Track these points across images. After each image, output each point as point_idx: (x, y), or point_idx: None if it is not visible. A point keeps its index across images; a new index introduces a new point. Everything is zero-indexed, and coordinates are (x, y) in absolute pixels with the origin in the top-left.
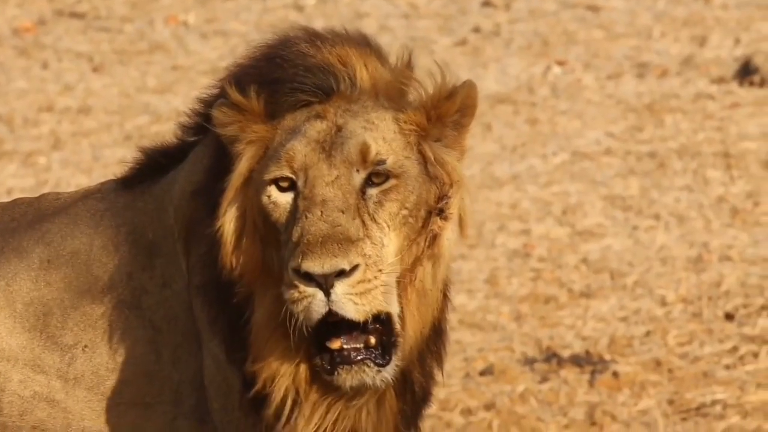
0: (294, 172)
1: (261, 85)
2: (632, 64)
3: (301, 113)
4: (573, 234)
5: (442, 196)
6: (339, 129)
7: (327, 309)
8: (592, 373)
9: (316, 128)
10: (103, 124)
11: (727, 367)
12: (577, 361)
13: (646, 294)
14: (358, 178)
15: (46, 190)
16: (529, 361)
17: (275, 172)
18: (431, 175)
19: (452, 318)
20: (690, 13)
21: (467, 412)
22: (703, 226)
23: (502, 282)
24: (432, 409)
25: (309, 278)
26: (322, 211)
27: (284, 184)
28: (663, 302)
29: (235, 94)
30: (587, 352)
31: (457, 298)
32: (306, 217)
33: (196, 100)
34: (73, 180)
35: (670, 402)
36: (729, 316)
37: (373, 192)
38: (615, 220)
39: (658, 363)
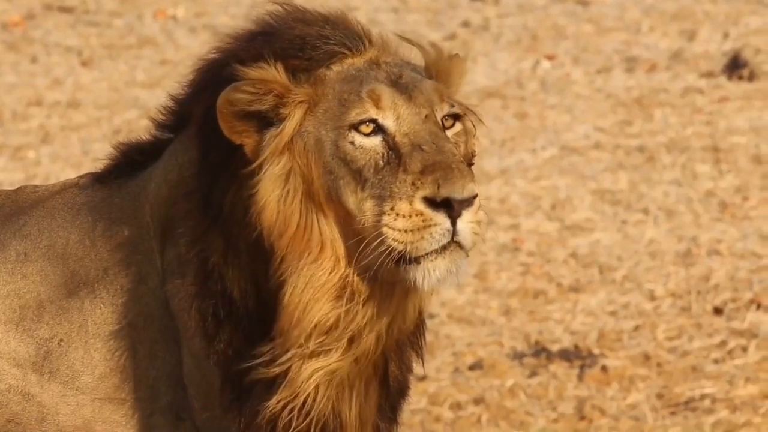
0: (381, 112)
1: (274, 52)
2: (621, 58)
3: (341, 66)
4: (562, 228)
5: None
6: (400, 76)
7: (449, 239)
8: (581, 367)
9: (381, 73)
10: (92, 119)
11: (716, 361)
12: (566, 355)
13: (634, 288)
14: (439, 117)
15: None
16: (518, 356)
17: (360, 115)
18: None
19: (441, 312)
20: (679, 8)
21: (456, 406)
22: (692, 221)
23: (491, 276)
24: (421, 403)
25: (445, 205)
26: (435, 143)
27: (367, 129)
28: (652, 296)
29: (253, 71)
30: (576, 347)
31: (446, 293)
32: (423, 149)
33: (169, 98)
34: (63, 174)
35: (659, 396)
36: (718, 311)
37: (449, 134)
38: (604, 214)
39: (647, 357)
